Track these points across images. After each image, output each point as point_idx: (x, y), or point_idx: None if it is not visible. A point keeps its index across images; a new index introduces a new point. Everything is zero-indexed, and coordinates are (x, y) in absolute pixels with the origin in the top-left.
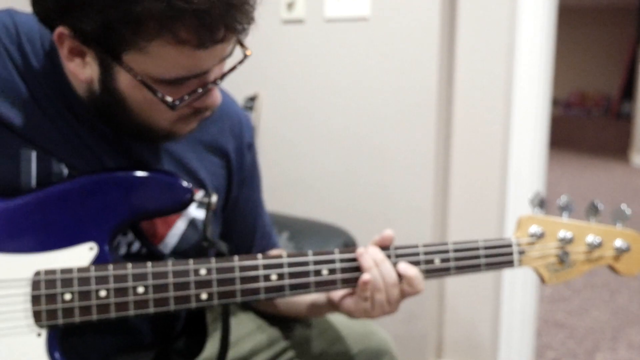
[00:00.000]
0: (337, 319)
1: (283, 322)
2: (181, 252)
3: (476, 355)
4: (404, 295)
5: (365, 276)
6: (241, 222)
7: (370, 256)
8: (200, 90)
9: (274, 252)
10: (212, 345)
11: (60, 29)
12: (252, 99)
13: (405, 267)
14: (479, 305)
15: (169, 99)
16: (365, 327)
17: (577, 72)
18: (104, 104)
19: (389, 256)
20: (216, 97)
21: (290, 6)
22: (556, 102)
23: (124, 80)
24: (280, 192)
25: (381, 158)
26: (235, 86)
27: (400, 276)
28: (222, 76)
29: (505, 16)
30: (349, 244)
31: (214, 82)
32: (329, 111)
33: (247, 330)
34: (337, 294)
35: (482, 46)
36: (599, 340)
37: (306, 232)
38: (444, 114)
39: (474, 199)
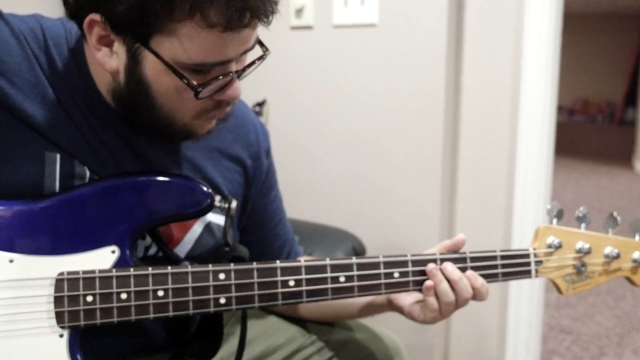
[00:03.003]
0: (345, 323)
1: (296, 324)
2: (196, 256)
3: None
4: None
5: (427, 282)
6: (260, 228)
7: (447, 274)
8: (221, 77)
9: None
10: (225, 348)
11: (92, 16)
12: (260, 104)
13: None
14: (485, 312)
15: (194, 82)
16: (376, 330)
17: (581, 79)
18: (127, 96)
19: (405, 263)
20: (237, 89)
21: (298, 13)
22: (560, 109)
23: (150, 67)
24: (289, 196)
25: (389, 163)
26: (243, 92)
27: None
28: (243, 70)
29: (511, 23)
30: (358, 248)
31: (236, 73)
32: (337, 117)
33: (259, 332)
34: (406, 299)
35: (489, 53)
36: (604, 346)
37: (316, 236)
38: (451, 119)
39: (480, 204)
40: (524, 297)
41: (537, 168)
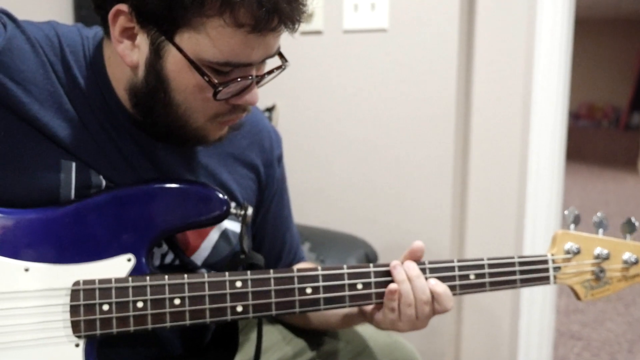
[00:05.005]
0: (363, 330)
1: (309, 333)
2: (213, 263)
3: None
4: (434, 312)
5: (392, 285)
6: (271, 235)
7: (404, 270)
8: (240, 79)
9: (306, 265)
10: (240, 357)
11: (118, 6)
12: (270, 109)
13: (434, 283)
14: (496, 317)
15: (215, 80)
16: (391, 338)
17: (586, 84)
18: (145, 92)
19: (423, 271)
20: (255, 95)
21: (308, 18)
22: None
23: (172, 62)
24: (299, 202)
25: (399, 169)
26: None
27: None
28: (262, 76)
29: (523, 28)
30: (370, 255)
31: (256, 77)
32: (347, 122)
33: (272, 342)
34: (369, 306)
35: (500, 58)
36: (615, 352)
37: (327, 243)
38: (461, 125)
39: (492, 209)
40: (537, 302)
41: (549, 173)
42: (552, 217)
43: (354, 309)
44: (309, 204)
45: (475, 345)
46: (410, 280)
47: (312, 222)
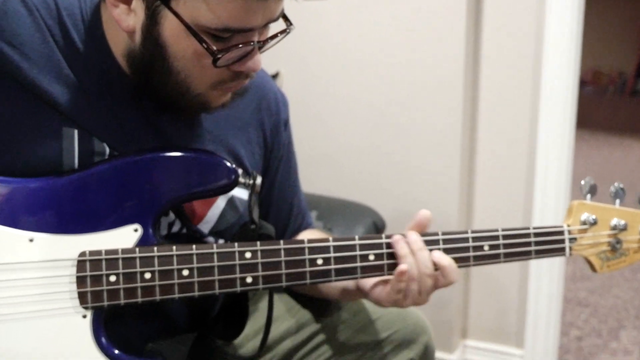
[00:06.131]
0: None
1: (315, 304)
2: (220, 231)
3: (501, 336)
4: (437, 285)
5: (402, 266)
6: (278, 201)
7: (406, 243)
8: (241, 45)
9: (315, 233)
10: (250, 326)
11: None
12: (274, 76)
13: (439, 255)
14: (505, 286)
15: (214, 47)
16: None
17: (592, 50)
18: (143, 59)
19: (436, 242)
20: (257, 61)
21: None
22: None
23: (169, 28)
24: (306, 170)
25: (407, 136)
26: None
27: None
28: (265, 41)
29: None
30: (378, 224)
31: (258, 43)
32: (354, 89)
33: (278, 313)
34: (368, 281)
35: (510, 21)
36: (622, 318)
37: (335, 211)
38: (470, 91)
39: (500, 178)
40: (545, 270)
41: (559, 142)
42: (562, 186)
43: (353, 286)
44: (316, 172)
45: (483, 313)
46: (413, 254)
47: (319, 190)
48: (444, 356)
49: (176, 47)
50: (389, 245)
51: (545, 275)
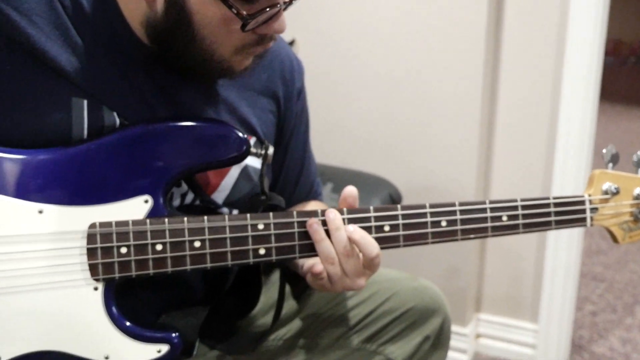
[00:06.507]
0: (389, 275)
1: None
2: (234, 201)
3: (516, 310)
4: (364, 265)
5: (316, 268)
6: (287, 170)
7: (329, 221)
8: (268, 9)
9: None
10: (263, 300)
11: None
12: (290, 44)
13: (351, 230)
14: (521, 259)
15: (243, 12)
16: (417, 282)
17: (612, 20)
18: (165, 27)
19: (453, 212)
20: (283, 22)
21: None
22: None
23: None
24: (320, 141)
25: (425, 106)
26: None
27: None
28: (290, 2)
29: None
30: (394, 196)
31: (284, 4)
32: (371, 57)
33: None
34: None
35: None
36: (638, 294)
37: (351, 182)
38: (491, 60)
39: (520, 149)
40: (563, 243)
41: (581, 113)
42: (583, 158)
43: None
44: (331, 142)
45: (498, 287)
46: (330, 235)
47: (334, 161)
48: (457, 329)
49: (202, 14)
50: (404, 217)
51: (563, 249)
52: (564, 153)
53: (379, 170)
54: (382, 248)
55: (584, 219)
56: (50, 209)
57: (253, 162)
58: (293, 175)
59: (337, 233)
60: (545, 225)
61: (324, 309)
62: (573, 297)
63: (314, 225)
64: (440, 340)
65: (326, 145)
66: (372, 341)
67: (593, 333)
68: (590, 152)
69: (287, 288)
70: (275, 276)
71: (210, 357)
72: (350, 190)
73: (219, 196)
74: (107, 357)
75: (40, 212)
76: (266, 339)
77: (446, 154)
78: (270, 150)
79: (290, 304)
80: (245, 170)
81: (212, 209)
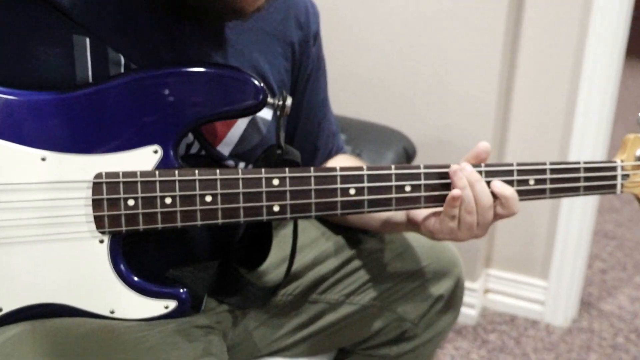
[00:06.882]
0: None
1: (348, 231)
2: (241, 153)
3: (526, 266)
4: (496, 217)
5: (455, 192)
6: (305, 123)
7: (465, 175)
8: None
9: (347, 159)
10: (274, 254)
11: None
12: None
13: (501, 186)
14: (534, 216)
15: None
16: (435, 241)
17: None
18: None
19: (479, 174)
20: None
21: None
22: None
23: None
24: (334, 90)
25: (443, 57)
26: None
27: (494, 196)
28: None
29: None
30: (409, 150)
31: None
32: (388, 6)
33: (310, 239)
34: (421, 212)
35: None
36: None
37: (364, 135)
38: (513, 13)
39: (539, 106)
40: (578, 201)
41: (605, 70)
42: (605, 120)
43: (401, 217)
44: (345, 93)
45: (509, 242)
46: (471, 186)
47: (348, 112)
48: (466, 284)
49: None
50: (427, 176)
51: (578, 207)
52: (584, 114)
53: (394, 123)
54: (399, 209)
55: (614, 186)
56: (54, 156)
57: (263, 113)
58: (313, 128)
59: (478, 185)
60: (573, 191)
61: (340, 260)
62: (585, 255)
63: (459, 173)
64: (453, 301)
65: (340, 94)
66: (384, 298)
67: (602, 291)
68: (611, 112)
69: (300, 242)
70: (287, 229)
71: (219, 311)
72: (485, 146)
73: (225, 147)
74: (112, 312)
75: (43, 159)
76: (276, 293)
77: (463, 108)
78: (289, 101)
79: (303, 257)
80: (253, 121)
81: (217, 162)
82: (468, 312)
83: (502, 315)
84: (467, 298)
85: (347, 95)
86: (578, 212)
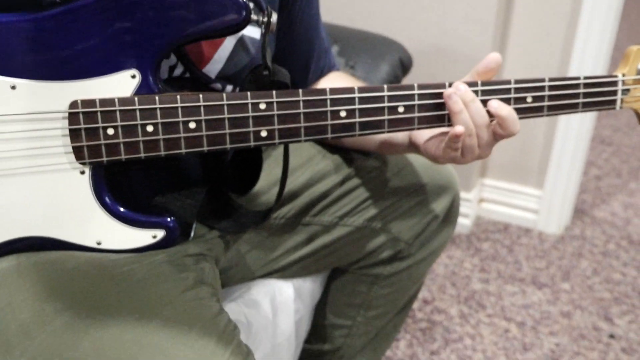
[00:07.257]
0: None
1: (344, 150)
2: (229, 75)
3: (522, 175)
4: (496, 137)
5: (457, 129)
6: (297, 40)
7: (459, 97)
8: None
9: (340, 78)
10: (266, 177)
11: None
12: None
13: (497, 106)
14: (532, 125)
15: None
16: None
17: None
18: None
19: (475, 93)
20: None
21: None
22: None
23: None
24: None
25: None
26: None
27: (491, 116)
28: None
29: None
30: (405, 60)
31: None
32: None
33: (306, 157)
34: (422, 135)
35: None
36: None
37: (358, 45)
38: None
39: (540, 14)
40: None
41: None
42: (610, 25)
43: (401, 138)
44: None
45: (505, 151)
46: (465, 106)
47: (340, 20)
48: (460, 195)
49: None
50: (420, 97)
51: (577, 115)
52: (588, 16)
53: (389, 31)
54: (391, 131)
55: (613, 102)
56: (25, 83)
57: (251, 31)
58: (306, 46)
59: (473, 105)
60: (571, 108)
61: (332, 183)
62: (582, 162)
63: (453, 96)
64: (448, 218)
65: (332, 2)
66: (378, 219)
67: (596, 197)
68: (615, 24)
69: (291, 164)
70: (279, 150)
71: (210, 238)
72: (496, 57)
73: (212, 69)
74: (99, 243)
75: (13, 87)
76: (269, 217)
77: (462, 13)
78: (274, 17)
79: (296, 179)
80: (241, 41)
81: (203, 84)
82: (462, 222)
83: (496, 224)
84: (461, 208)
85: (338, 1)
86: (577, 118)
